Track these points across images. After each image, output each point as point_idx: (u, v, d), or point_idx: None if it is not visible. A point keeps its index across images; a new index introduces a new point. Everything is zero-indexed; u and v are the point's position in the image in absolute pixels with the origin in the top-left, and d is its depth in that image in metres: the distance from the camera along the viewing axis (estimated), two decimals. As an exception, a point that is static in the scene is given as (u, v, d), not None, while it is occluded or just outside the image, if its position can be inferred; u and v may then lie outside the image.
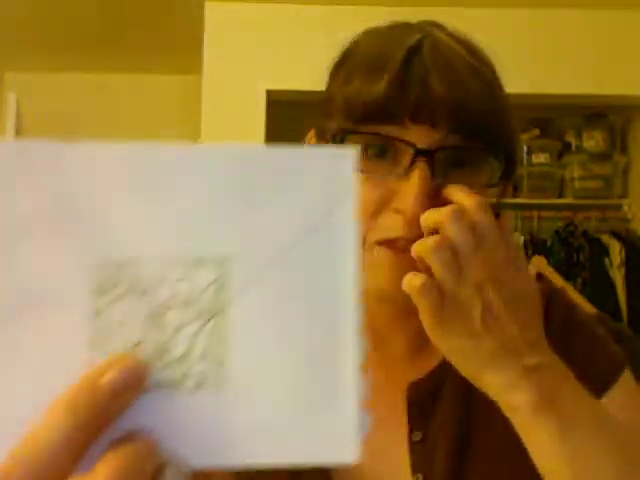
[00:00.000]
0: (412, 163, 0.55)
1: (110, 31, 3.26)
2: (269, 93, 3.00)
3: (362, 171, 0.57)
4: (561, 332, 0.68)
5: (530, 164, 3.39)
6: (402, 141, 0.56)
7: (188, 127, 3.50)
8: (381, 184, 0.57)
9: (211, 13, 3.02)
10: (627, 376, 0.66)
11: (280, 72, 2.96)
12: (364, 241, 0.58)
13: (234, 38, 3.02)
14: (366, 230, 0.58)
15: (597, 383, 0.64)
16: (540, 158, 3.40)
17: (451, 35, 0.59)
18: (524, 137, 3.43)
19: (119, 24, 3.19)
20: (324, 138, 0.63)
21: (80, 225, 0.31)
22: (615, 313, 3.02)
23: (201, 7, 3.00)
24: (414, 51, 0.56)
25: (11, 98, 2.96)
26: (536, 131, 3.44)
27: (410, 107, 0.55)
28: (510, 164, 0.61)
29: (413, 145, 0.55)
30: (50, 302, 0.31)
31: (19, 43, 3.39)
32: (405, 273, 0.56)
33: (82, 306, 0.31)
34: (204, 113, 3.00)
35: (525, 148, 3.40)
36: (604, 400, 0.63)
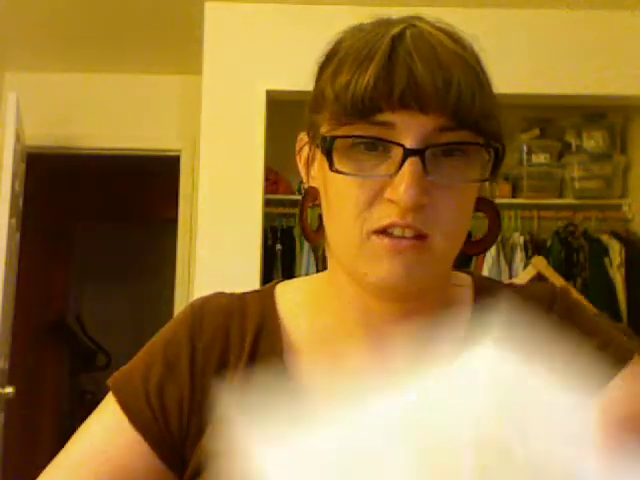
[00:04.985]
0: (403, 161, 0.57)
1: (110, 31, 3.26)
2: (269, 93, 3.00)
3: (354, 164, 0.58)
4: (563, 329, 0.67)
5: (530, 164, 3.38)
6: (390, 142, 0.57)
7: (188, 127, 3.51)
8: (374, 175, 0.58)
9: (211, 13, 3.02)
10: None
11: (280, 72, 2.96)
12: (360, 232, 0.59)
13: (234, 38, 3.02)
14: (362, 221, 0.58)
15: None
16: (540, 158, 3.40)
17: (434, 25, 0.61)
18: (524, 137, 3.43)
19: (119, 24, 3.19)
20: (314, 133, 0.64)
21: None
22: (615, 313, 3.02)
23: (201, 7, 3.00)
24: (398, 39, 0.58)
25: (11, 98, 2.96)
26: (536, 131, 3.44)
27: (397, 94, 0.56)
28: (499, 151, 0.61)
29: (402, 146, 0.57)
30: None
31: (19, 43, 3.39)
32: (403, 259, 0.58)
33: None
34: (204, 113, 3.00)
35: (525, 148, 3.40)
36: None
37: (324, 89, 0.60)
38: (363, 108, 0.56)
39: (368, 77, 0.56)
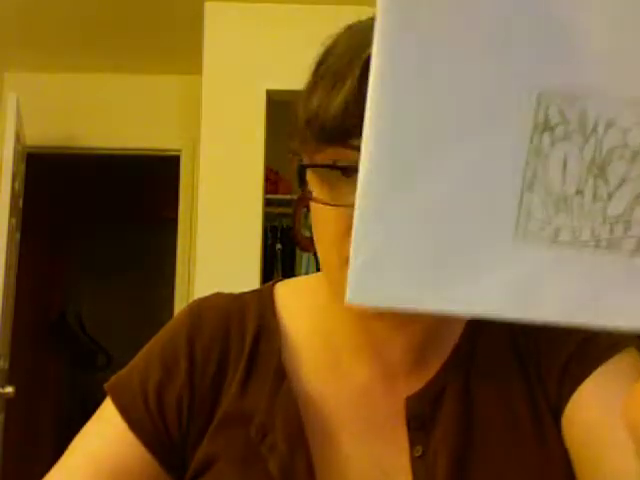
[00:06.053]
0: None
1: (110, 31, 3.26)
2: (269, 93, 3.01)
3: (331, 191, 0.56)
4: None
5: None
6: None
7: (188, 127, 3.51)
8: (349, 204, 0.57)
9: (211, 13, 3.02)
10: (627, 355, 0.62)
11: (280, 72, 2.96)
12: (339, 257, 0.57)
13: (234, 38, 3.02)
14: (339, 248, 0.56)
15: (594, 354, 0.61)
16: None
17: None
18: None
19: (119, 24, 3.19)
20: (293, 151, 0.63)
21: (530, 49, 0.27)
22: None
23: (201, 7, 3.00)
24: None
25: (11, 98, 2.96)
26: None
27: None
28: None
29: None
30: (489, 130, 0.27)
31: (19, 43, 3.39)
32: None
33: (523, 139, 0.27)
34: (204, 113, 3.00)
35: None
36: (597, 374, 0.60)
37: (298, 114, 0.59)
38: (334, 133, 0.54)
39: (338, 103, 0.53)
